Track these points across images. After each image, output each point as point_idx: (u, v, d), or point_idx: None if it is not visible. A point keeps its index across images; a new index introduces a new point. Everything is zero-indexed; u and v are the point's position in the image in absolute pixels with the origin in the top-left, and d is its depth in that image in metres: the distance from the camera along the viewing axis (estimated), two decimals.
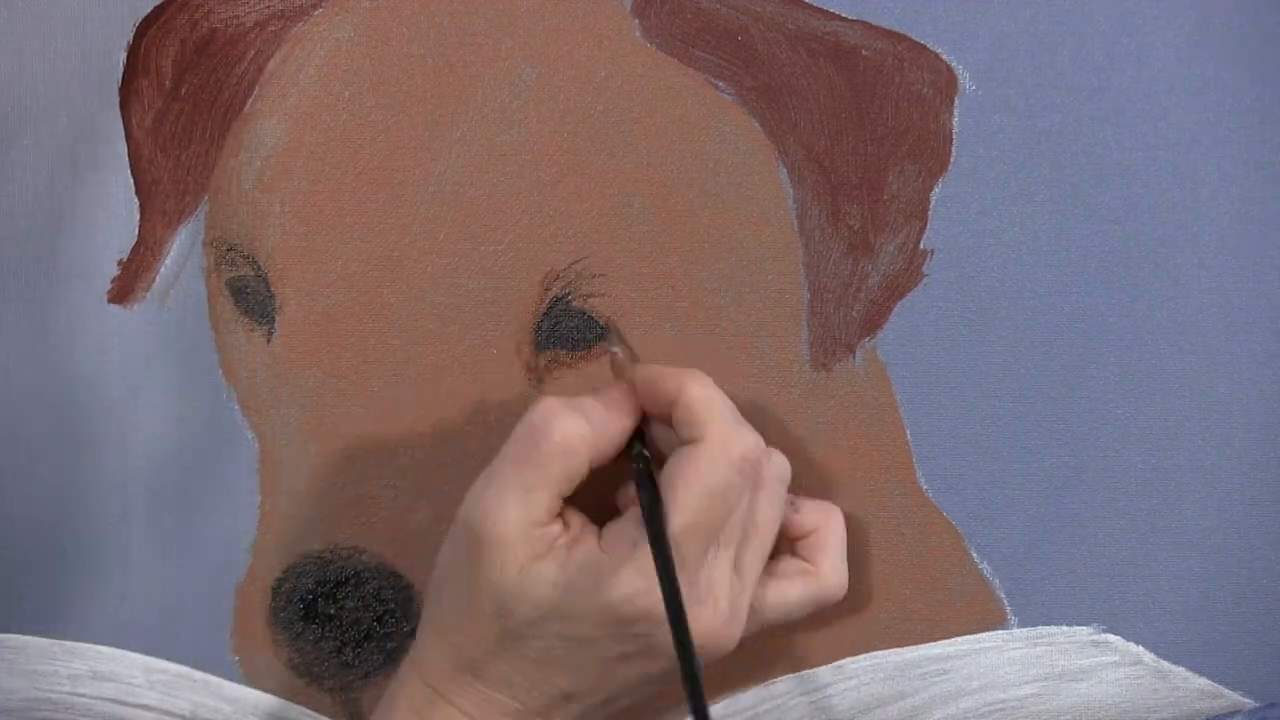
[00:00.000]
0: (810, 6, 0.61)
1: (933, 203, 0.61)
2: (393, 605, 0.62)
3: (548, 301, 0.61)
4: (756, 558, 0.55)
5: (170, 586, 0.62)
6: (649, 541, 0.51)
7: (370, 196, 0.61)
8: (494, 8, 0.61)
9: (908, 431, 0.62)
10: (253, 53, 0.61)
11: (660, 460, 0.55)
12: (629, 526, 0.54)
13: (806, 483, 0.61)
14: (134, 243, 0.62)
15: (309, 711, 0.62)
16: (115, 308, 0.62)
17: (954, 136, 0.61)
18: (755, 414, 0.61)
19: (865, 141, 0.61)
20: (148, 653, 0.62)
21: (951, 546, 0.62)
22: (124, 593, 0.62)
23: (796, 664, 0.62)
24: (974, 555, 0.62)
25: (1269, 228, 0.61)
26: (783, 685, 0.62)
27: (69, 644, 0.62)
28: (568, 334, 0.61)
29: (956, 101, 0.61)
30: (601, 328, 0.61)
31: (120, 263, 0.62)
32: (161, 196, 0.62)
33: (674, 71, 0.61)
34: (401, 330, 0.61)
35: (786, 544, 0.58)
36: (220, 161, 0.62)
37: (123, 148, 0.61)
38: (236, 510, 0.62)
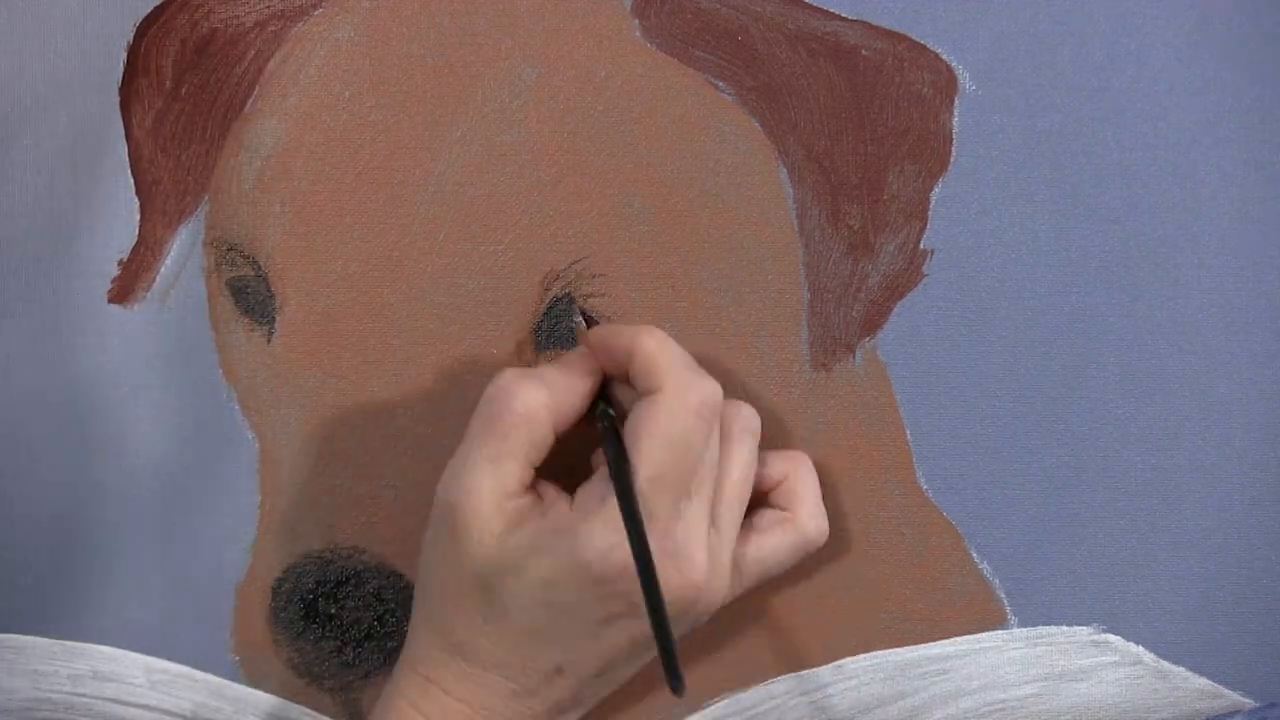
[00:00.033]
0: (810, 6, 0.61)
1: (933, 203, 0.61)
2: (393, 605, 0.62)
3: (548, 301, 0.61)
4: (732, 511, 0.55)
5: (170, 586, 0.62)
6: (616, 496, 0.51)
7: (370, 196, 0.61)
8: (494, 8, 0.61)
9: (908, 431, 0.62)
10: (253, 53, 0.61)
11: (625, 419, 0.55)
12: (598, 484, 0.54)
13: None
14: (134, 243, 0.62)
15: (309, 711, 0.62)
16: (115, 308, 0.62)
17: (954, 136, 0.61)
18: None
19: (865, 141, 0.61)
20: (148, 653, 0.62)
21: (951, 546, 0.62)
22: (124, 593, 0.62)
23: (796, 664, 0.62)
24: (974, 555, 0.62)
25: (1269, 228, 0.61)
26: (783, 685, 0.62)
27: (69, 644, 0.62)
28: (568, 334, 0.61)
29: (956, 101, 0.61)
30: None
31: (120, 263, 0.62)
32: (161, 196, 0.62)
33: (674, 71, 0.61)
34: (401, 330, 0.61)
35: (759, 497, 0.58)
36: (220, 161, 0.62)
37: (123, 148, 0.61)
38: (236, 510, 0.62)
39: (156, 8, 0.61)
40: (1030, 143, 0.61)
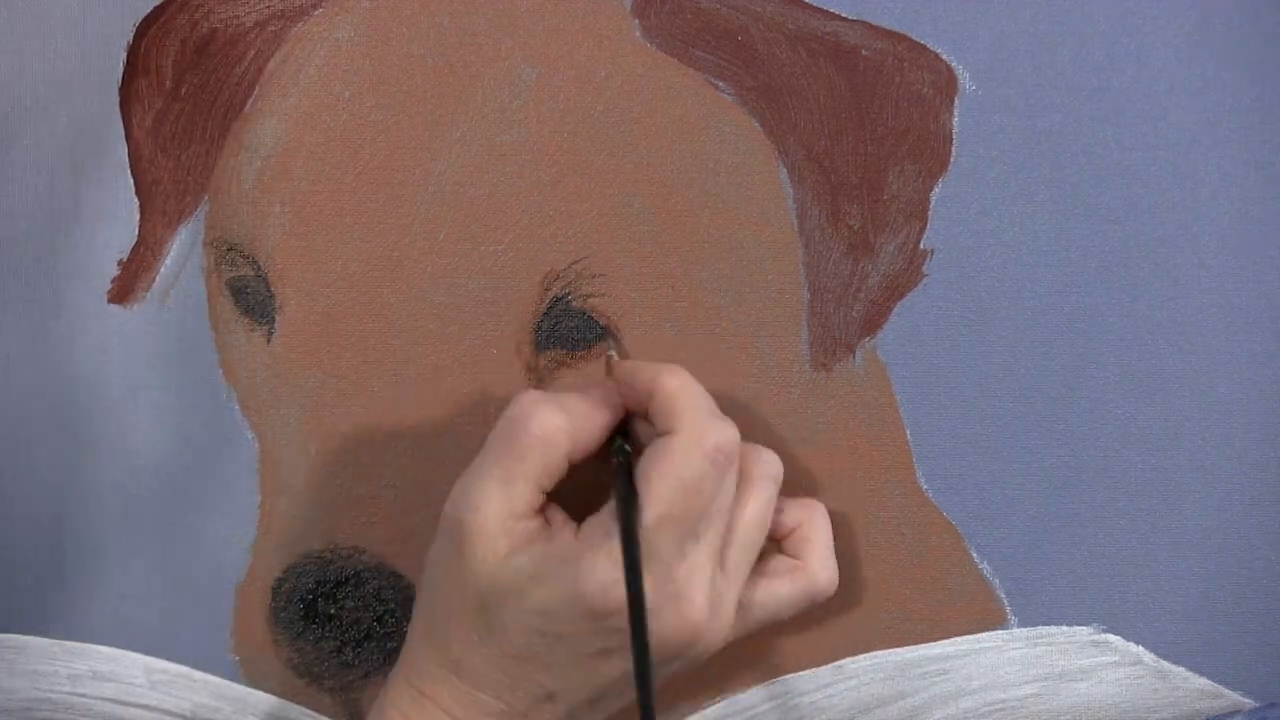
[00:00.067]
0: (810, 6, 0.61)
1: (933, 203, 0.61)
2: (393, 605, 0.62)
3: (548, 301, 0.61)
4: (744, 555, 0.55)
5: (170, 586, 0.62)
6: (620, 533, 0.51)
7: (370, 196, 0.61)
8: (494, 8, 0.61)
9: (908, 431, 0.62)
10: (253, 53, 0.61)
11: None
12: (606, 518, 0.53)
13: (806, 483, 0.61)
14: (134, 243, 0.62)
15: (309, 711, 0.62)
16: (115, 308, 0.62)
17: (954, 136, 0.61)
18: (755, 414, 0.61)
19: (865, 141, 0.61)
20: (148, 653, 0.62)
21: (951, 546, 0.62)
22: (124, 593, 0.62)
23: (796, 664, 0.62)
24: (974, 555, 0.62)
25: (1269, 228, 0.61)
26: (783, 685, 0.62)
27: (69, 644, 0.62)
28: (568, 334, 0.61)
29: (956, 101, 0.61)
30: (602, 328, 0.61)
31: (120, 263, 0.62)
32: (161, 196, 0.62)
33: (674, 71, 0.61)
34: (401, 330, 0.61)
35: (772, 544, 0.58)
36: (220, 161, 0.62)
37: (123, 148, 0.61)
38: (236, 510, 0.62)
39: (156, 8, 0.61)
40: (1030, 143, 0.61)
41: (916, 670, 0.62)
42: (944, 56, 0.61)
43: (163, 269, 0.62)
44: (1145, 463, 0.61)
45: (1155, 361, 0.61)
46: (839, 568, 0.59)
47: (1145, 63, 0.61)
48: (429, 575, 0.56)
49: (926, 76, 0.61)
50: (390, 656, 0.61)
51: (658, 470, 0.53)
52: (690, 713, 0.62)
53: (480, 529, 0.53)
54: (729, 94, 0.61)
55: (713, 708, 0.62)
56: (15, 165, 0.62)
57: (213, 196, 0.62)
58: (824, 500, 0.60)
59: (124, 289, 0.62)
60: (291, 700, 0.62)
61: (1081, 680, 0.61)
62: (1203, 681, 0.61)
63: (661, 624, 0.52)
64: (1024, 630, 0.62)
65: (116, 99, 0.61)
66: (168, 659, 0.62)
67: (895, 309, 0.61)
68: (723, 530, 0.54)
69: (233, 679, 0.62)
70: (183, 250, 0.62)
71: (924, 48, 0.61)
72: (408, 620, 0.61)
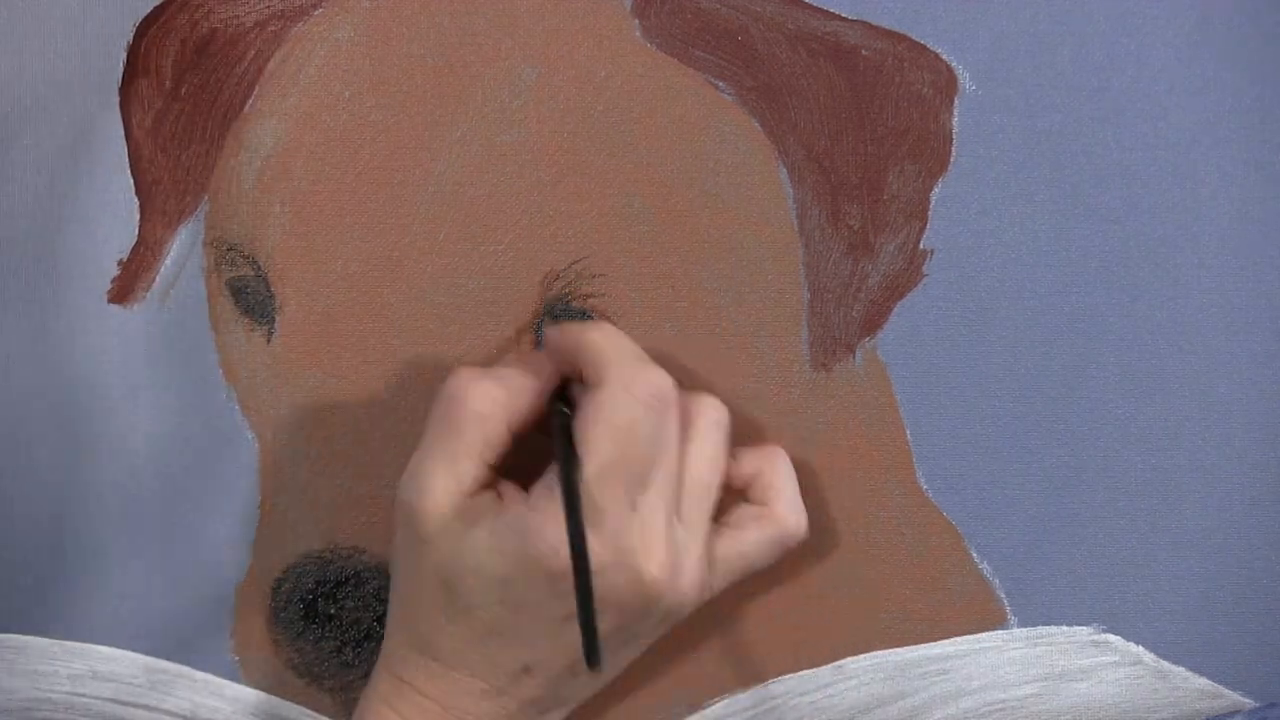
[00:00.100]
0: (810, 6, 0.61)
1: (933, 203, 0.61)
2: None
3: (548, 301, 0.61)
4: (699, 505, 0.54)
5: (170, 586, 0.62)
6: (561, 489, 0.51)
7: (370, 196, 0.61)
8: (494, 8, 0.61)
9: (908, 431, 0.62)
10: (253, 53, 0.61)
11: None
12: (551, 480, 0.53)
13: (806, 483, 0.61)
14: (134, 243, 0.62)
15: (309, 711, 0.62)
16: (115, 308, 0.62)
17: (954, 136, 0.61)
18: (755, 414, 0.61)
19: (865, 141, 0.61)
20: (148, 653, 0.62)
21: (951, 546, 0.62)
22: (124, 593, 0.62)
23: (796, 664, 0.62)
24: (974, 555, 0.62)
25: (1269, 228, 0.61)
26: (783, 685, 0.62)
27: (69, 644, 0.62)
28: None
29: (956, 101, 0.61)
30: None
31: (120, 263, 0.62)
32: (161, 196, 0.62)
33: (674, 71, 0.61)
34: (401, 330, 0.61)
35: (734, 495, 0.57)
36: (220, 161, 0.62)
37: (123, 148, 0.61)
38: (236, 510, 0.62)
39: (156, 8, 0.61)
40: (1030, 143, 0.61)
41: (916, 670, 0.62)
42: (944, 56, 0.61)
43: (163, 269, 0.62)
44: (1145, 463, 0.61)
45: (1155, 361, 0.61)
46: (839, 567, 0.59)
47: (1145, 63, 0.61)
48: (394, 564, 0.56)
49: (926, 76, 0.61)
50: None
51: (591, 421, 0.52)
52: (690, 713, 0.62)
53: (432, 510, 0.53)
54: (729, 94, 0.61)
55: (713, 708, 0.62)
56: (15, 165, 0.62)
57: (213, 196, 0.62)
58: (824, 500, 0.60)
59: (124, 289, 0.62)
60: (291, 700, 0.62)
61: (1081, 680, 0.61)
62: (1203, 681, 0.61)
63: (614, 579, 0.52)
64: (1024, 630, 0.62)
65: (116, 99, 0.61)
66: (168, 659, 0.62)
67: (895, 309, 0.61)
68: (673, 481, 0.53)
69: (233, 679, 0.62)
70: (183, 250, 0.62)
71: (924, 48, 0.61)
72: None
